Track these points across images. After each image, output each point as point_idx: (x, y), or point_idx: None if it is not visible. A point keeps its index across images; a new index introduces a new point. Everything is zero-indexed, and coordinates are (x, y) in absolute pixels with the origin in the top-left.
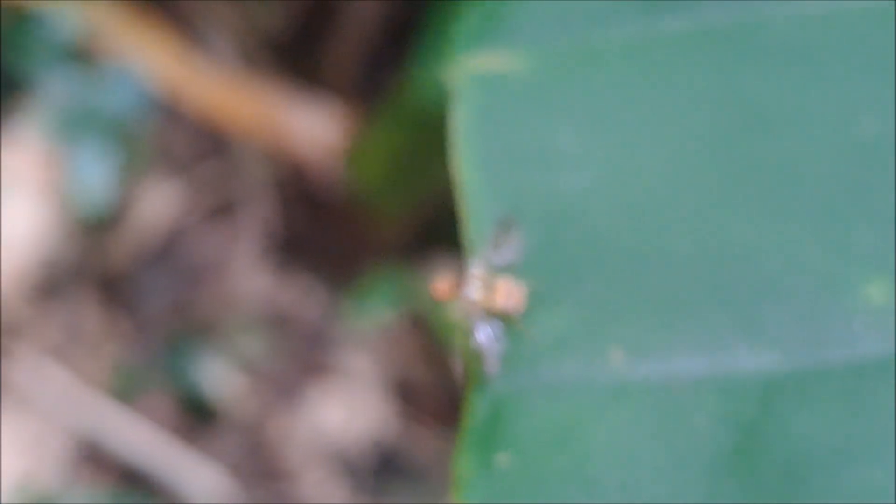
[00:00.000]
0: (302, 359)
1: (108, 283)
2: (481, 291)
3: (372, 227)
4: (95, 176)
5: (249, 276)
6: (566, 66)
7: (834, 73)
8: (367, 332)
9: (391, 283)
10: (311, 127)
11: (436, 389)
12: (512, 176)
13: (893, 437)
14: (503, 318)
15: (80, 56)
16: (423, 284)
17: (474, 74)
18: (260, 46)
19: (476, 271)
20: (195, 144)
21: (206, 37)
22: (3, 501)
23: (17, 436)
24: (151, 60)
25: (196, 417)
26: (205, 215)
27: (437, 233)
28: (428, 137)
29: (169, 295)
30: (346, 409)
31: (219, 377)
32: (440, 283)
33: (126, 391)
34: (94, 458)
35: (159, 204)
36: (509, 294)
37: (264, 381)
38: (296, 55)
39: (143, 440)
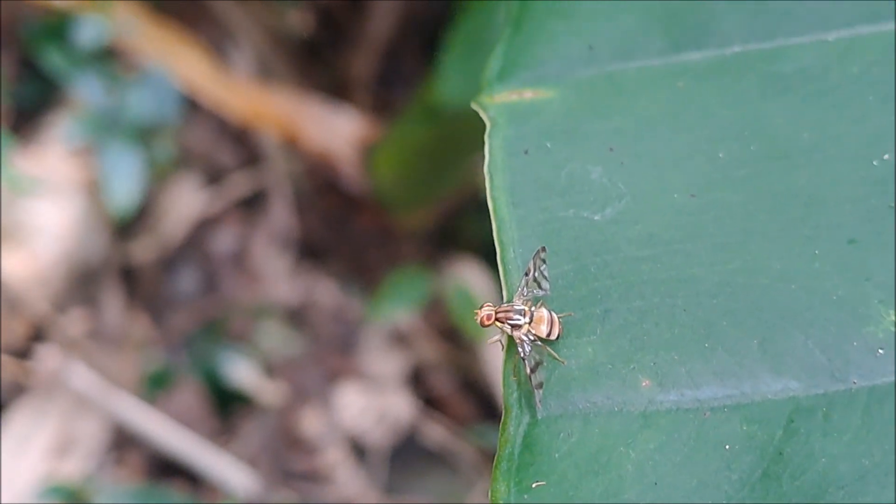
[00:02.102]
0: (325, 351)
1: (135, 278)
2: (524, 321)
3: (392, 222)
4: (124, 174)
5: (274, 271)
6: (592, 98)
7: (854, 102)
8: (387, 329)
9: (412, 282)
10: (334, 126)
11: (452, 383)
12: (543, 208)
13: None
14: (542, 348)
15: (111, 59)
16: (441, 282)
17: (505, 106)
18: (285, 48)
19: (517, 302)
20: (221, 144)
21: (233, 38)
22: (32, 501)
23: (44, 434)
24: (179, 63)
25: (222, 410)
26: (230, 212)
27: (455, 229)
28: (445, 138)
29: (195, 289)
30: (367, 401)
31: (244, 370)
32: (483, 312)
33: (153, 386)
34: (123, 453)
35: (185, 202)
36: (550, 323)
37: (288, 374)
38: (321, 56)
39: (171, 434)
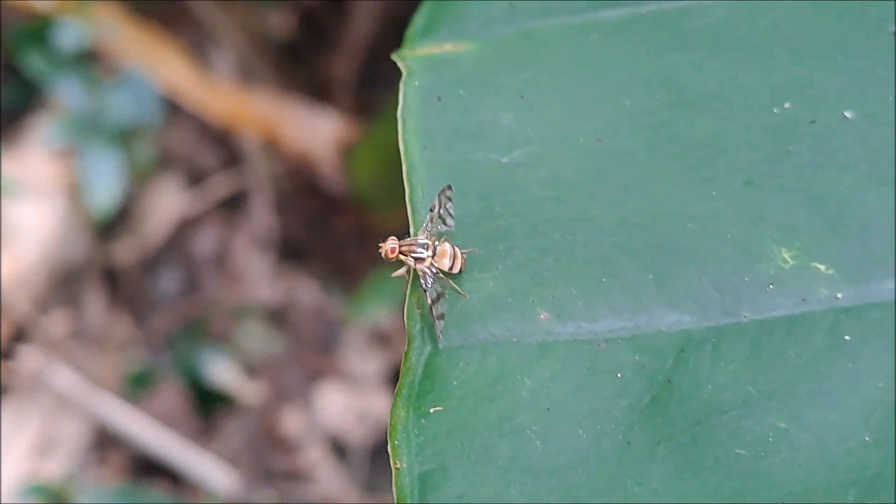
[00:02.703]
0: (306, 351)
1: (117, 279)
2: (426, 255)
3: (372, 222)
4: (105, 176)
5: (255, 271)
6: (509, 50)
7: (759, 54)
8: (368, 328)
9: (392, 282)
10: (314, 127)
11: None
12: (453, 150)
13: (793, 388)
14: (445, 281)
15: (92, 62)
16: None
17: (422, 57)
18: (266, 49)
19: (421, 236)
20: (202, 145)
21: (214, 40)
22: (14, 500)
23: (26, 434)
24: (160, 65)
25: (204, 410)
26: (211, 213)
27: None
28: None
29: (176, 290)
30: (348, 400)
31: (226, 370)
32: (387, 245)
33: (135, 386)
34: (105, 453)
35: (167, 203)
36: (453, 257)
37: (269, 373)
38: (301, 58)
39: (153, 434)
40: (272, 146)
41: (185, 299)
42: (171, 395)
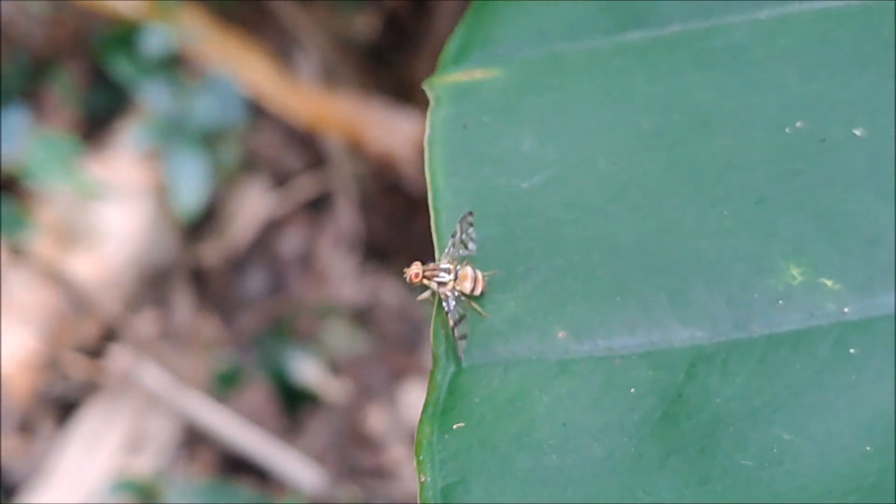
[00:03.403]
0: (390, 350)
1: (205, 280)
2: (449, 279)
3: None
4: (191, 178)
5: (340, 271)
6: (533, 76)
7: (775, 73)
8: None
9: None
10: (397, 128)
11: None
12: (476, 176)
13: (798, 400)
14: (467, 303)
15: (178, 66)
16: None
17: (451, 84)
18: (350, 51)
19: (444, 261)
20: (287, 147)
21: (298, 42)
22: (105, 496)
23: (117, 431)
24: (244, 68)
25: (290, 408)
26: (296, 214)
27: None
28: None
29: (263, 290)
30: None
31: (311, 369)
32: (411, 270)
33: (223, 385)
34: (193, 451)
35: (253, 205)
36: (474, 280)
37: (354, 372)
38: (385, 59)
39: (240, 432)
40: (356, 147)
41: (271, 299)
42: (257, 393)
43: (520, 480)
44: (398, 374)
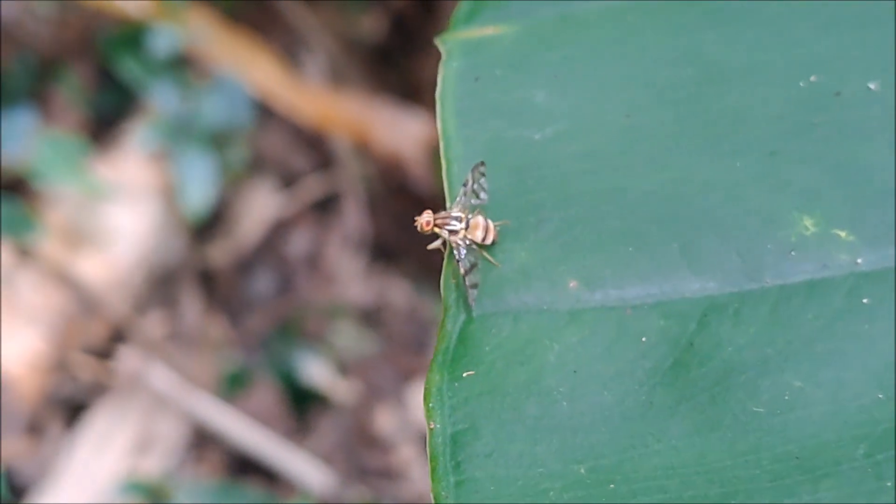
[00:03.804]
0: (398, 351)
1: (213, 281)
2: (460, 227)
3: None
4: (199, 179)
5: (347, 272)
6: (546, 31)
7: (789, 29)
8: None
9: None
10: (404, 128)
11: None
12: (488, 128)
13: (810, 349)
14: (478, 252)
15: (185, 66)
16: None
17: (462, 40)
18: (357, 52)
19: (455, 210)
20: (295, 148)
21: (305, 43)
22: (113, 497)
23: (125, 433)
24: (252, 69)
25: (298, 409)
26: (304, 215)
27: None
28: None
29: (271, 291)
30: None
31: (319, 369)
32: (423, 218)
33: (231, 386)
34: (202, 452)
35: (260, 205)
36: (485, 229)
37: (362, 372)
38: (392, 60)
39: (248, 433)
40: (363, 148)
41: (279, 300)
42: (265, 394)
43: (529, 427)
44: (406, 375)
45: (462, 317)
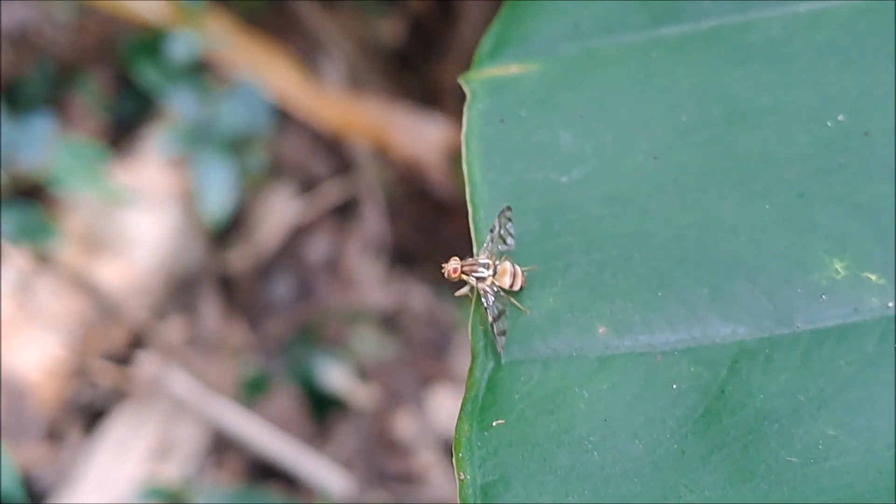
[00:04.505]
0: (418, 355)
1: (232, 286)
2: (487, 274)
3: None
4: (218, 184)
5: (367, 277)
6: (569, 70)
7: (814, 67)
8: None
9: None
10: (423, 133)
11: None
12: (513, 171)
13: (843, 396)
14: (506, 298)
15: (204, 72)
16: None
17: (486, 79)
18: (376, 57)
19: (482, 256)
20: (314, 153)
21: (324, 48)
22: (135, 501)
23: (145, 438)
24: (271, 74)
25: (318, 414)
26: (323, 220)
27: None
28: None
29: (290, 296)
30: (458, 402)
31: (339, 374)
32: (450, 265)
33: (250, 391)
34: (222, 457)
35: (280, 210)
36: (513, 275)
37: (382, 377)
38: (411, 64)
39: (268, 438)
40: (382, 153)
41: (299, 305)
42: (285, 399)
43: (560, 478)
44: (426, 380)
45: (490, 364)
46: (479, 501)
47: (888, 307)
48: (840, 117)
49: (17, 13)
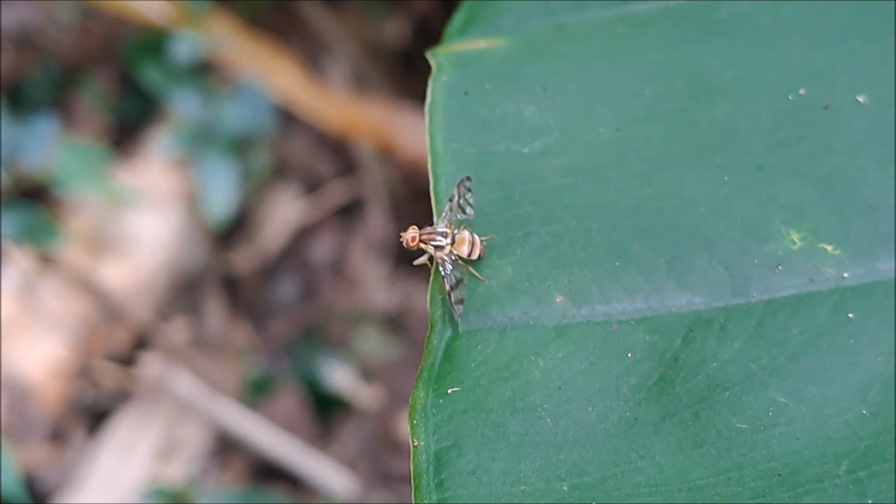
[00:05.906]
0: (420, 356)
1: (236, 287)
2: (446, 243)
3: None
4: (221, 185)
5: (371, 277)
6: (537, 44)
7: (779, 42)
8: None
9: None
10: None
11: None
12: (476, 142)
13: (795, 364)
14: (464, 267)
15: (207, 73)
16: None
17: (454, 53)
18: (380, 58)
19: (440, 225)
20: (318, 154)
21: (328, 49)
22: (139, 502)
23: (149, 439)
24: (275, 75)
25: (322, 415)
26: (327, 221)
27: None
28: None
29: (294, 297)
30: None
31: (343, 375)
32: (408, 234)
33: (255, 392)
34: (226, 458)
35: (284, 211)
36: (471, 244)
37: (386, 378)
38: (415, 65)
39: (272, 439)
40: (386, 153)
41: (303, 306)
42: (289, 400)
43: (513, 444)
44: None
45: (448, 333)
46: (431, 467)
47: (843, 277)
48: (801, 91)
49: (21, 14)
